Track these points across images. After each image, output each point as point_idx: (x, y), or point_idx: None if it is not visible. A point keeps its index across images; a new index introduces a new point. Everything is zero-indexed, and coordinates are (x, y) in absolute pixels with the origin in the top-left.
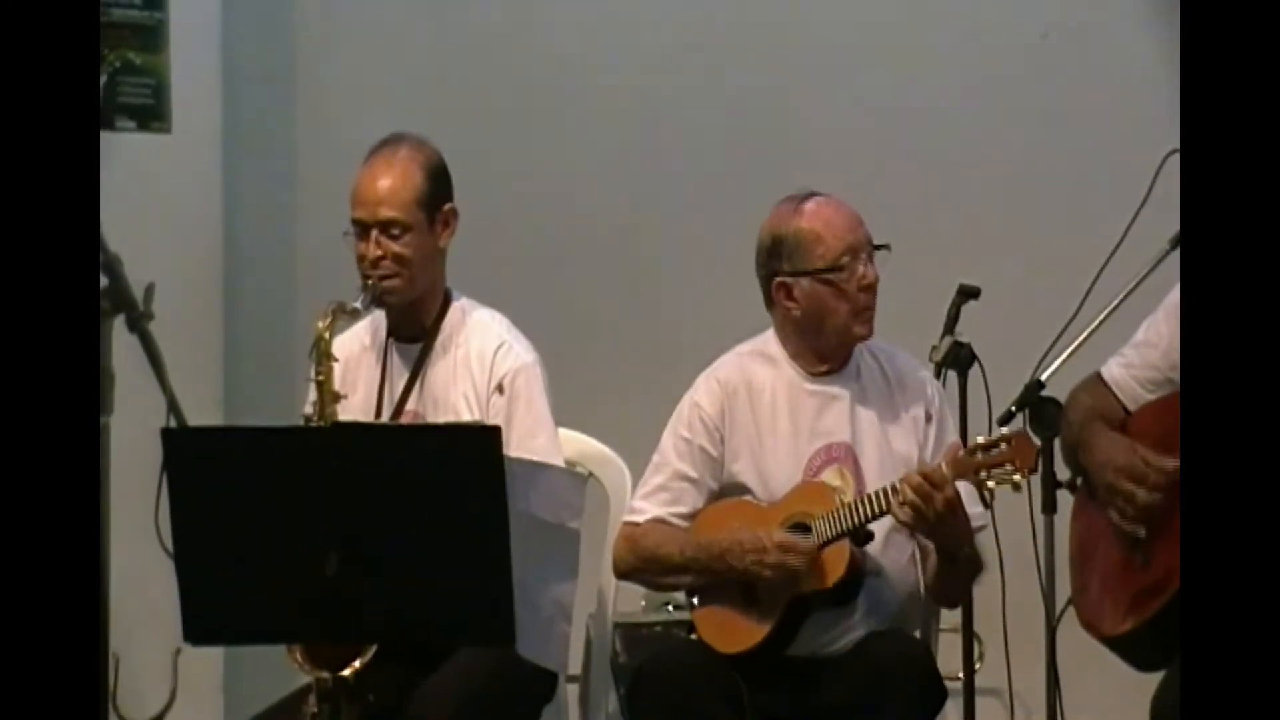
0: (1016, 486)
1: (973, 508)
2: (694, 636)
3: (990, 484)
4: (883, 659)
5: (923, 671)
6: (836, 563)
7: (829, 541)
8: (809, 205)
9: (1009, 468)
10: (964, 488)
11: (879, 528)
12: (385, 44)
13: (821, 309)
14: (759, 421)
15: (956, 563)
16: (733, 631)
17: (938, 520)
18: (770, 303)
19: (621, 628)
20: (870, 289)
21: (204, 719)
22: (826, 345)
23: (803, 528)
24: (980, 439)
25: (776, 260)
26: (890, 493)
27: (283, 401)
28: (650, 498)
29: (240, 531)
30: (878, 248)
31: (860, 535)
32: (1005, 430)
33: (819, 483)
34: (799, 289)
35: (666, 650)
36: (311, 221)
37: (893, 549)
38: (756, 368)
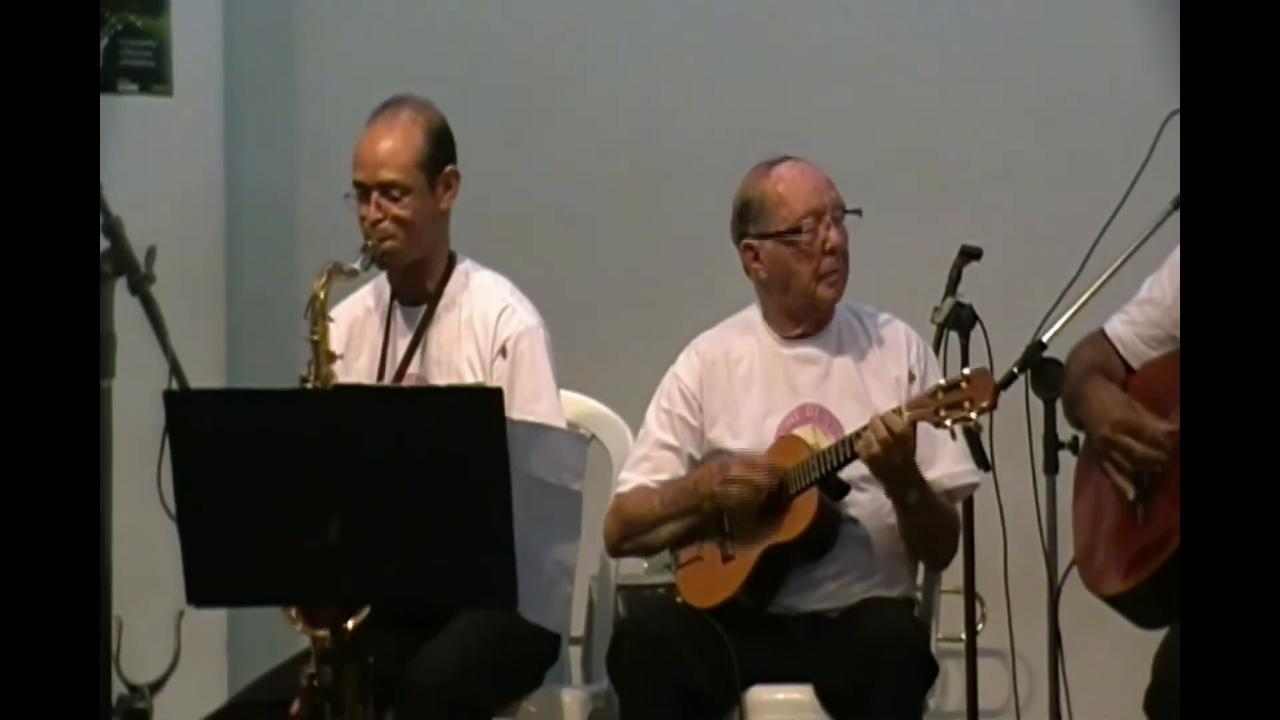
0: (978, 426)
1: (961, 465)
2: (679, 600)
3: (948, 423)
4: (876, 633)
5: (914, 647)
6: (805, 511)
7: (801, 490)
8: (777, 169)
9: (966, 406)
10: (955, 446)
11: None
12: (387, 8)
13: (785, 271)
14: (735, 388)
15: (906, 507)
16: (711, 585)
17: (891, 468)
18: (745, 266)
19: (624, 589)
20: (834, 252)
21: (207, 682)
22: (795, 307)
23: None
24: (941, 380)
25: (744, 223)
26: (856, 439)
27: (285, 364)
28: (634, 468)
29: (243, 494)
30: (849, 212)
31: (834, 487)
32: (967, 370)
33: (792, 436)
34: (764, 252)
35: (646, 611)
36: (313, 184)
37: (872, 501)
38: (736, 338)
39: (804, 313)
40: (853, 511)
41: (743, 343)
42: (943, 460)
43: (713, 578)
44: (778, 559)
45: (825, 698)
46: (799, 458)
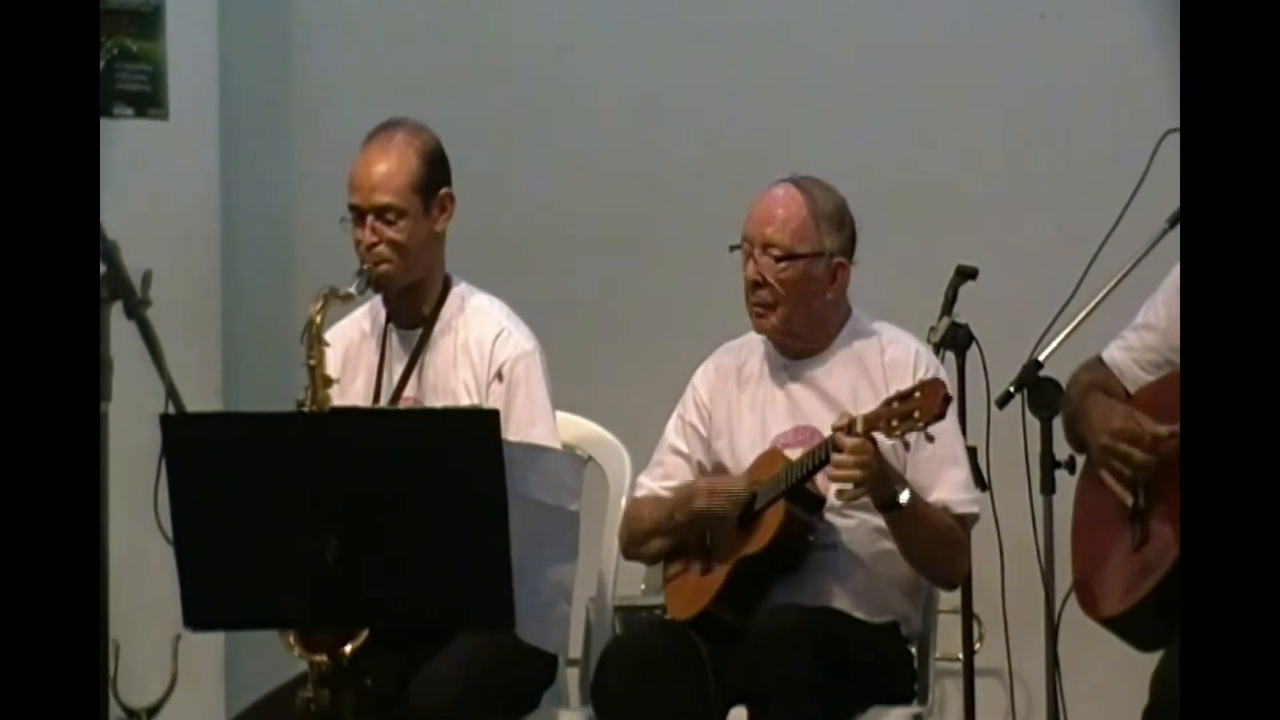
0: (929, 437)
1: (959, 494)
2: (665, 618)
3: (899, 434)
4: (771, 633)
5: (820, 645)
6: (771, 523)
7: (771, 501)
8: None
9: (916, 415)
10: (956, 476)
11: (841, 508)
12: (382, 30)
13: None
14: (741, 403)
15: (896, 509)
16: (690, 597)
17: (864, 481)
18: None
19: (622, 610)
20: (750, 285)
21: (205, 705)
22: None
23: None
24: (898, 389)
25: None
26: (820, 449)
27: (281, 387)
28: (648, 473)
29: (240, 517)
30: (791, 256)
31: (805, 499)
32: (922, 378)
33: (773, 451)
34: None
35: (630, 636)
36: (309, 207)
37: (858, 528)
38: (753, 352)
39: (770, 335)
40: (836, 537)
41: (757, 358)
42: (941, 489)
43: (693, 590)
44: (750, 571)
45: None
46: (773, 471)
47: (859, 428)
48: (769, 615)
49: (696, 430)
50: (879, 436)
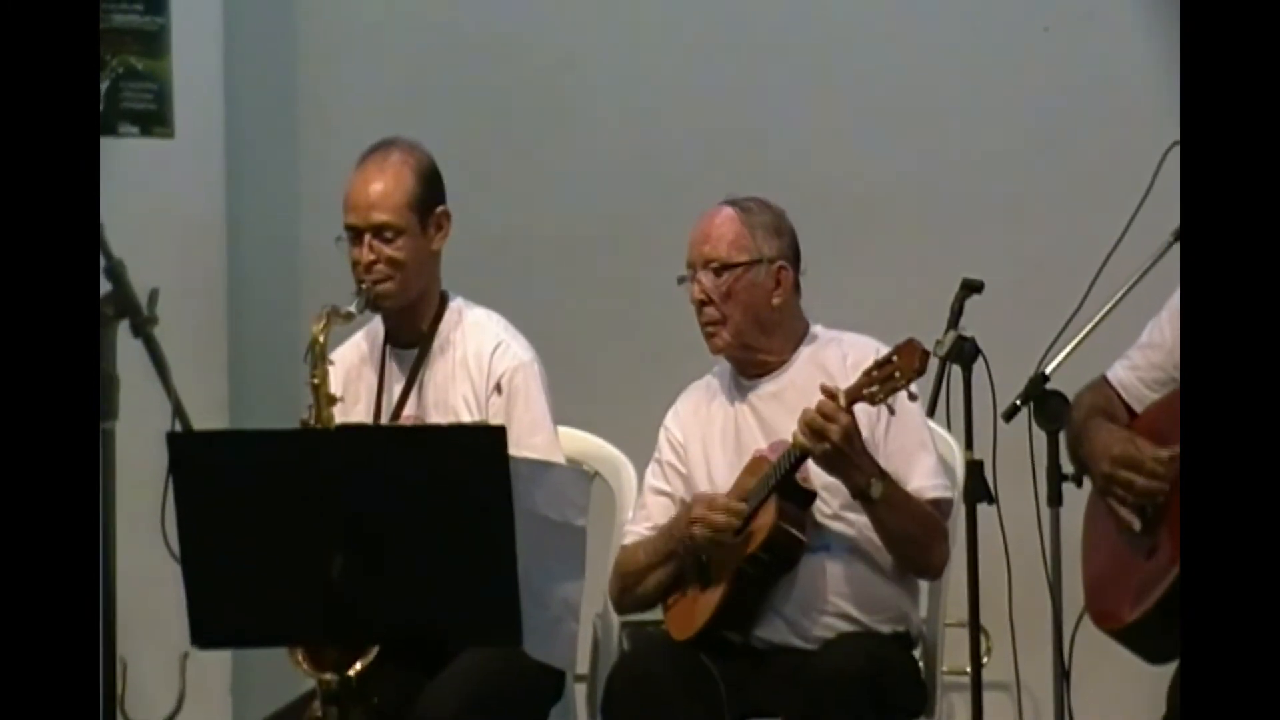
0: (911, 395)
1: (933, 479)
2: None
3: (881, 397)
4: (831, 668)
5: (865, 684)
6: (765, 520)
7: (763, 500)
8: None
9: (897, 377)
10: (927, 463)
11: (832, 510)
12: (386, 48)
13: None
14: (714, 435)
15: (871, 502)
16: (692, 614)
17: (836, 451)
18: None
19: (629, 626)
20: (697, 307)
21: None
22: None
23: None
24: (875, 359)
25: None
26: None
27: (287, 405)
28: (634, 520)
29: (246, 535)
30: (729, 266)
31: (794, 493)
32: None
33: (759, 457)
34: None
35: (636, 653)
36: (314, 225)
37: (850, 527)
38: (717, 385)
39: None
40: (829, 539)
41: (721, 389)
42: (915, 476)
43: (694, 607)
44: (750, 574)
45: None
46: (761, 473)
47: (841, 401)
48: (830, 649)
49: (675, 468)
50: (864, 409)
